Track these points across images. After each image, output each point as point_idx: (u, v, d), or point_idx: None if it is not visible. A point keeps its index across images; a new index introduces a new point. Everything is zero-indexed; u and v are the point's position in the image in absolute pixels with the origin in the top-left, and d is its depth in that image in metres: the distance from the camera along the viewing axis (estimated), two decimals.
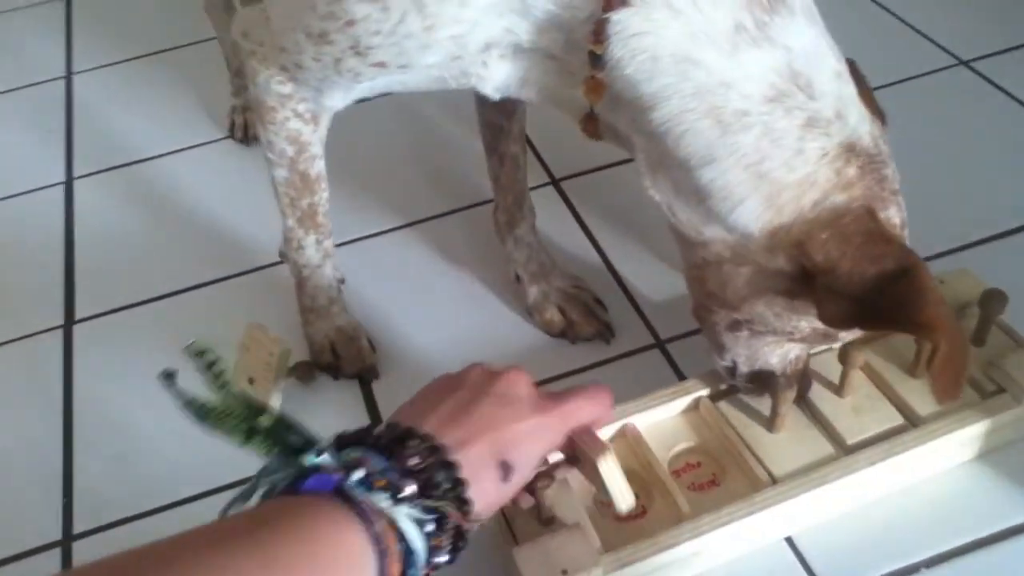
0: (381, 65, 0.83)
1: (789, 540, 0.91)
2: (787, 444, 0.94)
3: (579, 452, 0.79)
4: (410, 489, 0.63)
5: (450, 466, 0.66)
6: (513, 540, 0.86)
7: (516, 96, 0.87)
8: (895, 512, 0.92)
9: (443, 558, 0.64)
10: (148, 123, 1.62)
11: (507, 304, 1.21)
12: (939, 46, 1.54)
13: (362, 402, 1.11)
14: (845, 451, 0.93)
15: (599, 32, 0.74)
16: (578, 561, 0.82)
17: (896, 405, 0.95)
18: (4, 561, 1.00)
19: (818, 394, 0.97)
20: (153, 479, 1.05)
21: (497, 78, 0.84)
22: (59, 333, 1.25)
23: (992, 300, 0.97)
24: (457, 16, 0.77)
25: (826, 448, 0.93)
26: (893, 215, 0.79)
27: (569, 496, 0.89)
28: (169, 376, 0.69)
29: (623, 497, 0.80)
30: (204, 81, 1.69)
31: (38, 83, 1.77)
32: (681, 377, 1.08)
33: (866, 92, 0.83)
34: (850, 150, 0.76)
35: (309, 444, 0.64)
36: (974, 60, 1.51)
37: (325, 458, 0.63)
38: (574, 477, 0.93)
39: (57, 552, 1.00)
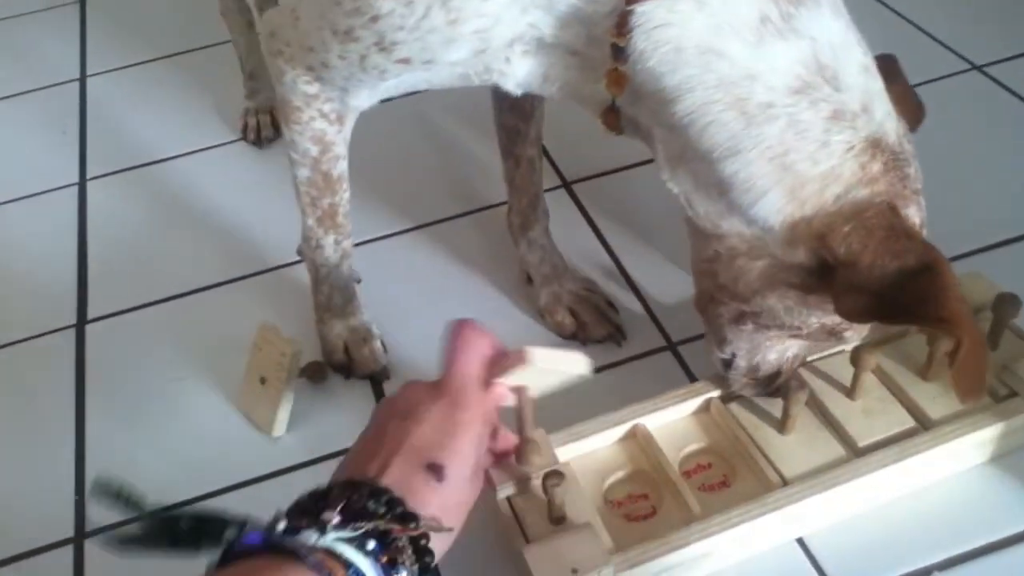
0: (405, 61, 0.83)
1: (800, 541, 0.91)
2: (798, 446, 0.94)
3: (506, 382, 0.78)
4: (334, 518, 0.63)
5: (378, 492, 0.66)
6: (524, 539, 0.86)
7: (538, 92, 0.87)
8: (908, 515, 0.92)
9: (405, 573, 0.64)
10: (161, 125, 1.63)
11: (518, 306, 1.21)
12: (952, 51, 1.54)
13: (373, 402, 1.11)
14: (856, 453, 0.92)
15: (622, 24, 0.75)
16: (588, 560, 0.81)
17: (907, 408, 0.95)
18: (17, 558, 1.00)
19: (829, 396, 0.97)
20: (164, 478, 1.05)
21: (519, 74, 0.85)
22: (72, 332, 1.26)
23: (1005, 304, 0.97)
24: (480, 10, 0.77)
25: (837, 450, 0.93)
26: (913, 214, 0.79)
27: (579, 495, 0.89)
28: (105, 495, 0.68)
29: (573, 363, 0.79)
30: (217, 83, 1.69)
31: (52, 85, 1.78)
32: (693, 380, 1.07)
33: (903, 87, 0.83)
34: (875, 145, 0.76)
35: (230, 522, 0.64)
36: (987, 65, 1.50)
37: (250, 525, 0.64)
38: (584, 476, 0.93)
39: (69, 549, 1.00)
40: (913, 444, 0.91)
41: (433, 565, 0.66)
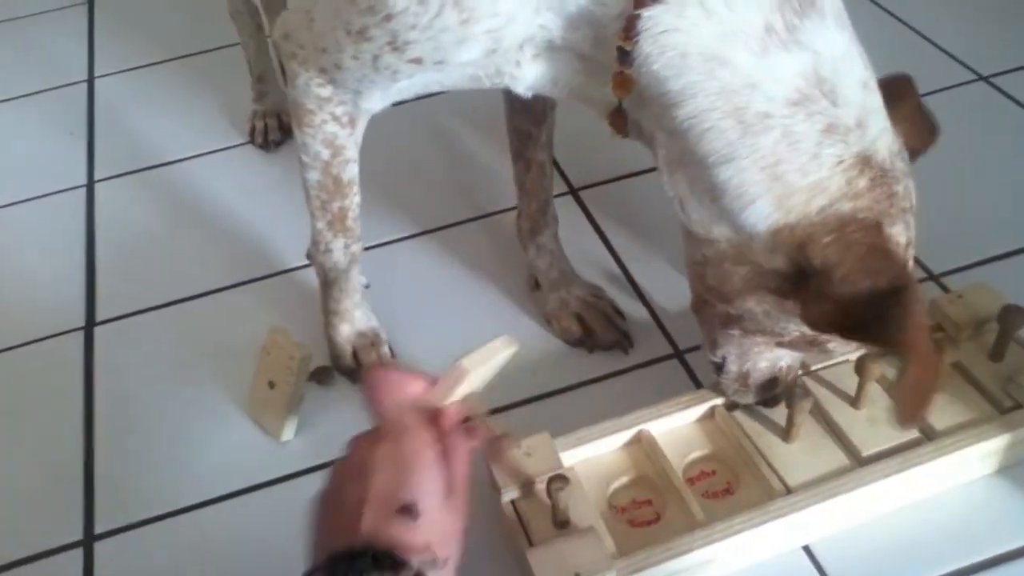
0: (417, 61, 0.84)
1: (807, 549, 0.91)
2: (802, 454, 0.94)
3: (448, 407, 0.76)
4: None
5: (360, 554, 0.65)
6: (528, 542, 0.87)
7: (547, 94, 0.88)
8: (916, 524, 0.92)
9: None
10: (169, 127, 1.64)
11: (525, 312, 1.21)
12: (959, 61, 1.55)
13: None
14: (860, 463, 0.93)
15: (629, 28, 0.75)
16: (592, 565, 0.82)
17: None
18: (27, 560, 1.01)
19: (834, 405, 0.98)
20: (173, 481, 1.06)
21: (529, 77, 0.86)
22: (80, 335, 1.26)
23: (1011, 315, 0.97)
24: (493, 9, 0.78)
25: (841, 459, 0.94)
26: (899, 232, 0.79)
27: (583, 500, 0.89)
28: None
29: (501, 349, 0.78)
30: (225, 86, 1.70)
31: (61, 86, 1.79)
32: (700, 387, 1.08)
33: (915, 106, 0.83)
34: (865, 162, 0.77)
35: None
36: (994, 76, 1.51)
37: None
38: (588, 481, 0.94)
39: (79, 552, 1.01)
40: (917, 454, 0.91)
41: None
